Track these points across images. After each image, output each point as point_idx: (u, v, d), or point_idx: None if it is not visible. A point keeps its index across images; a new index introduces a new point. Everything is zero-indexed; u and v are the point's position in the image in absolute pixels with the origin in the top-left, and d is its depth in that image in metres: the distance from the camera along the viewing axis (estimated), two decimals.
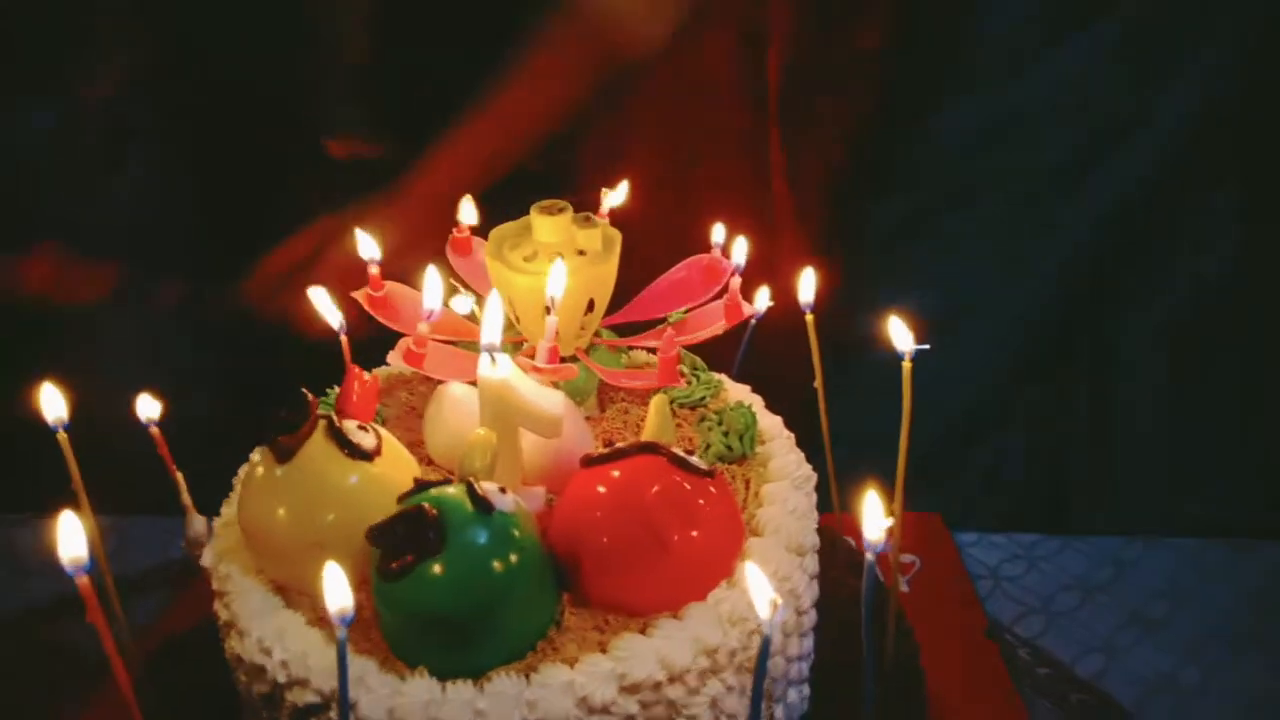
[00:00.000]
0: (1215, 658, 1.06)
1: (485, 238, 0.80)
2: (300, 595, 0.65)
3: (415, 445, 0.79)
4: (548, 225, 0.76)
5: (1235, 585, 1.16)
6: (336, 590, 0.49)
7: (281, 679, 0.59)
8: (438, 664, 0.58)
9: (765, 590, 0.53)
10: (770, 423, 0.80)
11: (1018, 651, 1.08)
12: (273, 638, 0.61)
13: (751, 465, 0.76)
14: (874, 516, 0.57)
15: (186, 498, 0.86)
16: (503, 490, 0.60)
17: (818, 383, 0.85)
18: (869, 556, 0.57)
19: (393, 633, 0.59)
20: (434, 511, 0.57)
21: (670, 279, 0.85)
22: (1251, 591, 1.15)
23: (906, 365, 0.71)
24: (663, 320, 0.86)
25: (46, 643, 1.12)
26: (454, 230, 0.88)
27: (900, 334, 0.72)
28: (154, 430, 0.81)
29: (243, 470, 0.77)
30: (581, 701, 0.57)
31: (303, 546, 0.63)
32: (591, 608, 0.63)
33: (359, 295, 0.80)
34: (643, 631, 0.61)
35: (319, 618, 0.63)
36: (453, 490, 0.59)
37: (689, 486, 0.62)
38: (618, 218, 0.88)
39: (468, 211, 0.89)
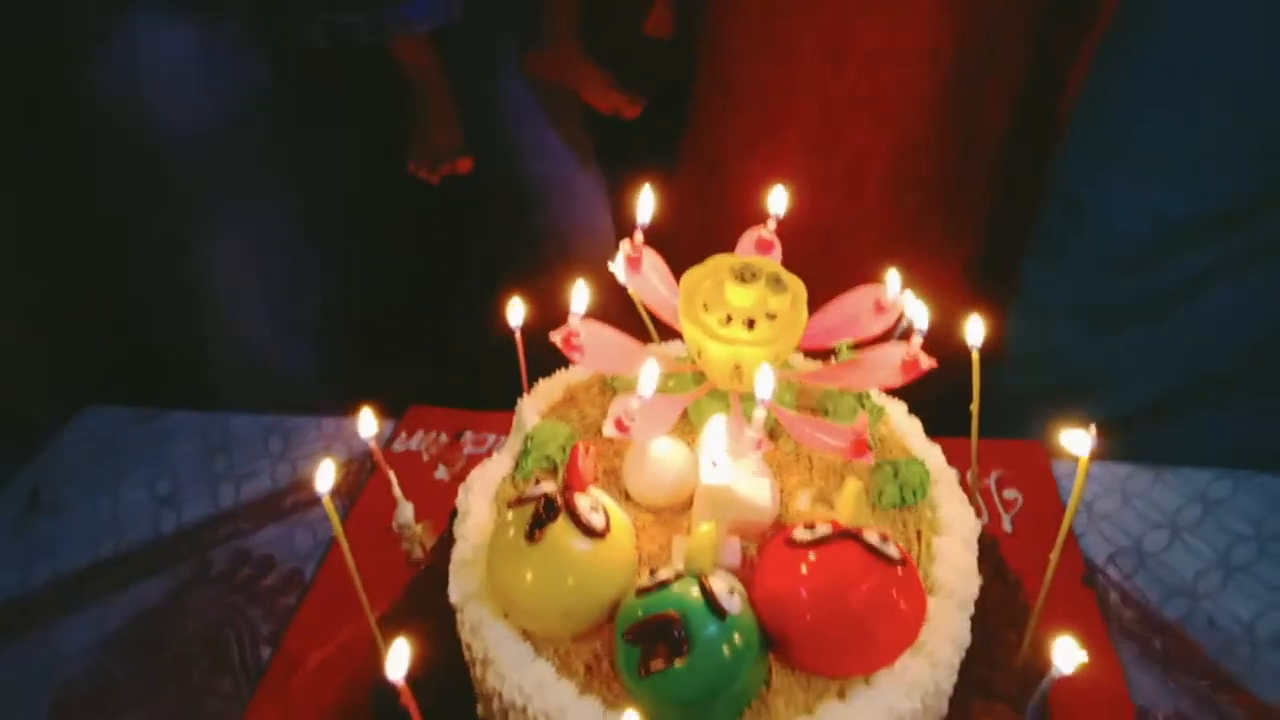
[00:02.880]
0: None
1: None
2: (543, 642, 0.77)
3: (610, 474, 0.89)
4: (741, 293, 0.80)
5: None
6: None
7: None
8: None
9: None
10: (935, 460, 0.88)
11: (1108, 594, 1.20)
12: (531, 686, 0.73)
13: (921, 511, 0.84)
14: (1066, 657, 0.66)
15: (397, 490, 0.98)
16: (731, 592, 0.69)
17: (974, 407, 0.92)
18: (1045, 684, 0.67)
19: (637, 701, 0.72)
20: (679, 618, 0.67)
21: (840, 311, 0.90)
22: None
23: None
24: (830, 353, 0.92)
25: None
26: (629, 248, 0.93)
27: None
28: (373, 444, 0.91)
29: (461, 500, 0.87)
30: None
31: (551, 609, 0.74)
32: (793, 669, 0.74)
33: (556, 337, 0.86)
34: (841, 695, 0.73)
35: (563, 664, 0.75)
36: (688, 591, 0.69)
37: (890, 582, 0.71)
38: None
39: (645, 207, 0.93)
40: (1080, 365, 1.49)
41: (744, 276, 0.80)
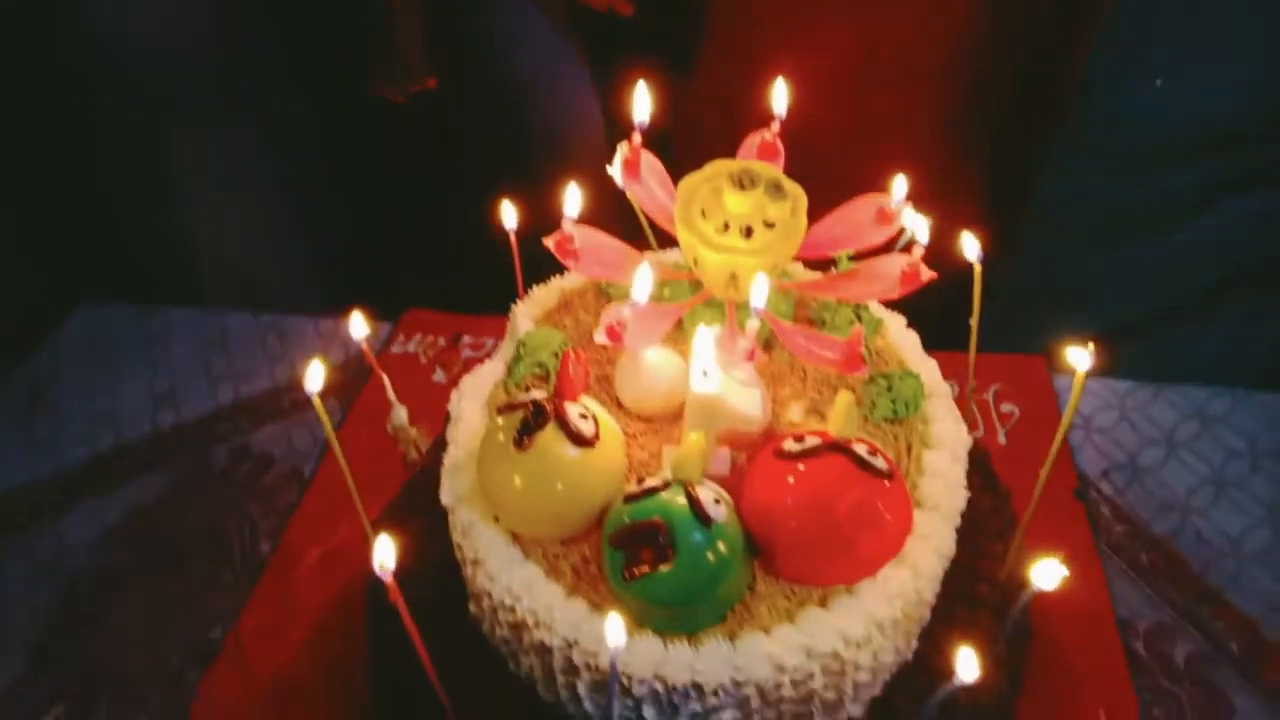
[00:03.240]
0: None
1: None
2: (532, 545, 0.78)
3: (603, 381, 0.89)
4: (739, 199, 0.78)
5: None
6: (613, 632, 0.61)
7: (530, 621, 0.74)
8: (660, 626, 0.72)
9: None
10: (930, 374, 0.87)
11: (1100, 509, 1.21)
12: (520, 587, 0.74)
13: (913, 425, 0.84)
14: (1045, 575, 0.67)
15: (391, 393, 0.98)
16: (716, 501, 0.70)
17: (973, 321, 0.91)
18: (1025, 598, 0.67)
19: (622, 603, 0.73)
20: (665, 524, 0.68)
21: (842, 220, 0.88)
22: None
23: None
24: (830, 263, 0.90)
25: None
26: (625, 147, 0.90)
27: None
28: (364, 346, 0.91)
29: (454, 405, 0.87)
30: (777, 666, 0.71)
31: (540, 514, 0.75)
32: (778, 577, 0.75)
33: (550, 242, 0.85)
34: (823, 604, 0.74)
35: (552, 567, 0.76)
36: (675, 499, 0.70)
37: (876, 494, 0.71)
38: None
39: (642, 106, 0.90)
40: (1086, 277, 1.47)
41: (742, 183, 0.78)
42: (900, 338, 0.91)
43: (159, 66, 1.43)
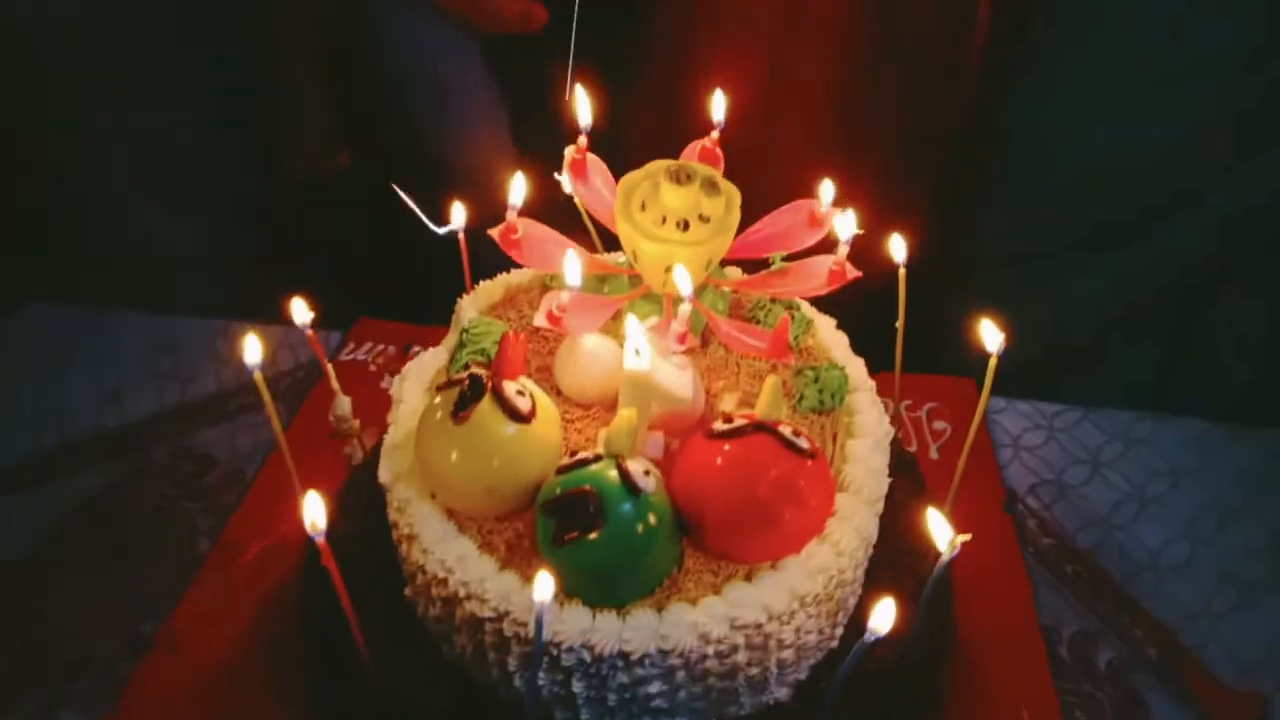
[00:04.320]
0: (1202, 534, 1.23)
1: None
2: (467, 521, 0.79)
3: (543, 370, 0.91)
4: (676, 193, 0.82)
5: (1231, 466, 1.31)
6: (541, 586, 0.63)
7: (462, 594, 0.75)
8: (588, 597, 0.74)
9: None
10: (856, 370, 0.91)
11: (1026, 522, 1.26)
12: (453, 560, 0.76)
13: (839, 416, 0.88)
14: (941, 532, 0.70)
15: (335, 383, 0.99)
16: (646, 473, 0.72)
17: (899, 324, 0.95)
18: (940, 564, 0.71)
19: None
20: (595, 493, 0.70)
21: (774, 224, 0.92)
22: (1245, 472, 1.31)
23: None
24: (763, 263, 0.94)
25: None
26: (573, 150, 0.94)
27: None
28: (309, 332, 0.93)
29: (396, 389, 0.89)
30: (701, 636, 0.73)
31: (475, 488, 0.77)
32: (706, 553, 0.78)
33: (494, 234, 0.88)
34: (748, 578, 0.76)
35: (486, 542, 0.78)
36: (606, 471, 0.72)
37: (798, 472, 0.75)
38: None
39: (584, 109, 0.94)
40: (1019, 303, 1.53)
41: (679, 178, 0.82)
42: (829, 337, 0.95)
43: (93, 64, 1.44)
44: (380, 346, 1.43)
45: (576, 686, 0.76)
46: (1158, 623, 1.15)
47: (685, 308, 0.76)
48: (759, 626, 0.74)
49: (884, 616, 0.64)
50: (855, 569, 0.82)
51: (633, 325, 0.75)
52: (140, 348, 1.44)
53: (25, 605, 1.10)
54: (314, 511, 0.68)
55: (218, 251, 1.62)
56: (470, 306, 0.94)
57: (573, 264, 0.77)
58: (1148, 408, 1.39)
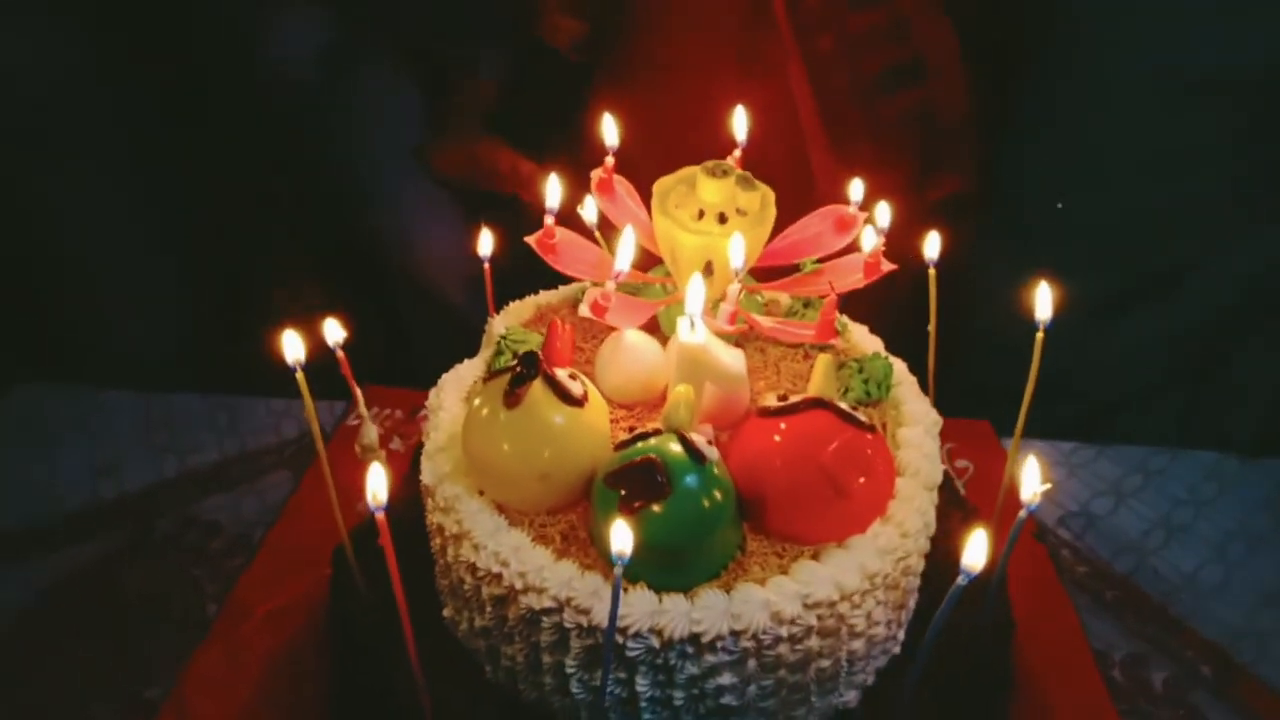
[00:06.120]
0: (1235, 558, 1.22)
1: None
2: (519, 515, 0.76)
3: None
4: (713, 186, 0.84)
5: (1252, 493, 1.31)
6: (620, 537, 0.60)
7: (519, 585, 0.71)
8: (654, 580, 0.70)
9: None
10: (898, 367, 0.91)
11: (1060, 551, 1.23)
12: (508, 552, 0.72)
13: (885, 409, 0.87)
14: (1031, 478, 0.69)
15: (363, 409, 0.97)
16: (710, 442, 0.70)
17: (931, 327, 0.95)
18: (1023, 514, 0.69)
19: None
20: (662, 461, 0.68)
21: (802, 230, 0.93)
22: (1268, 499, 1.31)
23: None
24: (794, 268, 0.95)
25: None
26: (600, 171, 0.95)
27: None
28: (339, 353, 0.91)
29: (433, 399, 0.87)
30: (775, 615, 0.69)
31: (528, 477, 0.74)
32: (769, 537, 0.75)
33: (531, 240, 0.88)
34: (815, 558, 0.73)
35: (539, 535, 0.75)
36: (667, 443, 0.70)
37: (861, 441, 0.73)
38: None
39: (610, 131, 0.96)
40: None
41: (715, 172, 0.83)
42: (864, 338, 0.95)
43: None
44: (388, 411, 1.41)
45: (641, 684, 0.71)
46: (1206, 642, 1.12)
47: (734, 287, 0.76)
48: (832, 605, 0.71)
49: (976, 551, 0.61)
50: (919, 555, 0.79)
51: (695, 286, 0.74)
52: (136, 423, 1.39)
53: (19, 674, 1.03)
54: (376, 483, 0.64)
55: (210, 328, 1.60)
56: (501, 324, 0.93)
57: (627, 242, 0.77)
58: (1165, 444, 1.40)
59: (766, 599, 0.69)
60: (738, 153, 0.97)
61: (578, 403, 0.74)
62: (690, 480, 0.69)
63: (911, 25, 1.37)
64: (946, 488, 1.00)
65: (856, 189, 0.91)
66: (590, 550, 0.74)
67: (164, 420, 1.40)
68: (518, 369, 0.73)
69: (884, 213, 0.87)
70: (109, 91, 1.45)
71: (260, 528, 1.23)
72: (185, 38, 1.44)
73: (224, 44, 1.44)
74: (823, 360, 0.77)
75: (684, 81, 1.34)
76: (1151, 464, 1.38)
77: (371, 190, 1.57)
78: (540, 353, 0.74)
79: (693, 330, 0.74)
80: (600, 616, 0.69)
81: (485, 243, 1.00)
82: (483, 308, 0.98)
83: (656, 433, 0.72)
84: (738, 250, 0.76)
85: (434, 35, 1.49)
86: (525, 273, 1.01)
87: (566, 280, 0.98)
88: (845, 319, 0.97)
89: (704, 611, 0.69)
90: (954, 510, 1.00)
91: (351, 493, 0.98)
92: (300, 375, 0.81)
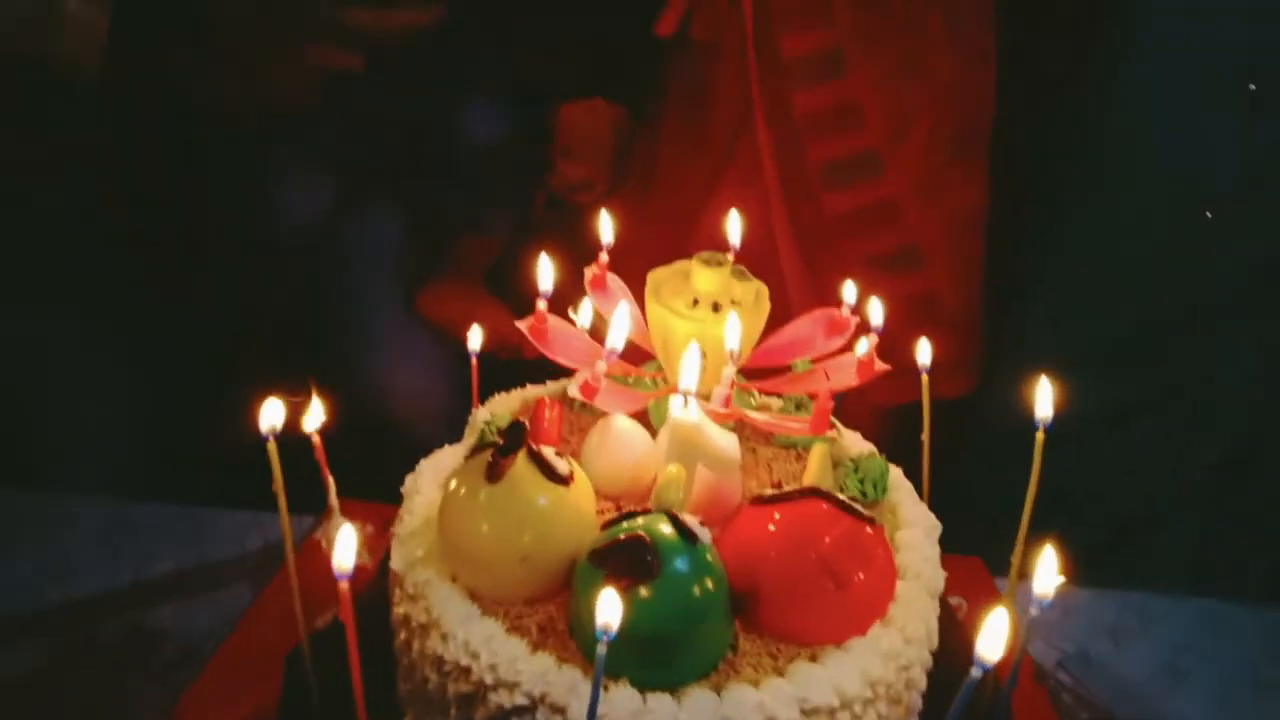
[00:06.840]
0: (1242, 704, 1.16)
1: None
2: (494, 605, 0.71)
3: None
4: (708, 275, 0.83)
5: (1255, 641, 1.26)
6: (607, 609, 0.55)
7: (489, 680, 0.65)
8: (638, 676, 0.64)
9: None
10: (893, 471, 0.88)
11: (1061, 696, 1.17)
12: (479, 642, 0.67)
13: (881, 511, 0.83)
14: (1048, 574, 0.65)
15: (334, 499, 0.92)
16: (701, 523, 0.67)
17: (925, 436, 0.93)
18: (1034, 612, 0.65)
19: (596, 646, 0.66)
20: (651, 540, 0.64)
21: (794, 332, 0.92)
22: (1267, 646, 1.25)
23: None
24: (786, 369, 0.93)
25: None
26: (594, 267, 0.95)
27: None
28: (316, 440, 0.87)
29: (409, 484, 0.83)
30: (769, 719, 0.63)
31: (507, 560, 0.69)
32: (762, 635, 0.70)
33: (522, 325, 0.87)
34: (813, 660, 0.68)
35: (515, 625, 0.69)
36: (657, 522, 0.66)
37: (860, 531, 0.69)
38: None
39: (606, 228, 0.96)
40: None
41: (711, 262, 0.83)
42: (858, 444, 0.92)
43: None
44: (358, 523, 1.34)
45: None
46: None
47: (730, 369, 0.74)
48: (831, 713, 0.65)
49: (994, 638, 0.56)
50: (922, 667, 0.74)
51: (690, 361, 0.72)
52: (94, 531, 1.33)
53: None
54: (345, 549, 0.60)
55: (177, 439, 1.56)
56: (486, 412, 0.90)
57: (621, 318, 0.75)
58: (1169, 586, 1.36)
59: (760, 701, 0.64)
60: (730, 256, 0.98)
61: (563, 481, 0.71)
62: (680, 563, 0.64)
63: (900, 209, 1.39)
64: (944, 610, 0.96)
65: (849, 290, 0.91)
66: (569, 643, 0.68)
67: (124, 528, 1.34)
68: (502, 440, 0.69)
69: (877, 311, 0.86)
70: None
71: (212, 640, 1.15)
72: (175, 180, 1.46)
73: (226, 193, 1.46)
74: (818, 450, 0.74)
75: (677, 195, 1.36)
76: (1150, 608, 1.33)
77: (353, 320, 1.57)
78: (526, 425, 0.70)
79: (686, 407, 0.71)
80: (578, 715, 0.63)
81: (474, 338, 0.98)
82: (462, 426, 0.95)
83: (646, 511, 0.68)
84: (734, 331, 0.74)
85: (453, 200, 1.52)
86: (511, 374, 0.99)
87: (555, 376, 0.96)
88: (838, 423, 0.95)
89: (692, 713, 0.63)
90: (953, 631, 0.95)
91: (314, 601, 0.93)
92: (272, 445, 0.77)
